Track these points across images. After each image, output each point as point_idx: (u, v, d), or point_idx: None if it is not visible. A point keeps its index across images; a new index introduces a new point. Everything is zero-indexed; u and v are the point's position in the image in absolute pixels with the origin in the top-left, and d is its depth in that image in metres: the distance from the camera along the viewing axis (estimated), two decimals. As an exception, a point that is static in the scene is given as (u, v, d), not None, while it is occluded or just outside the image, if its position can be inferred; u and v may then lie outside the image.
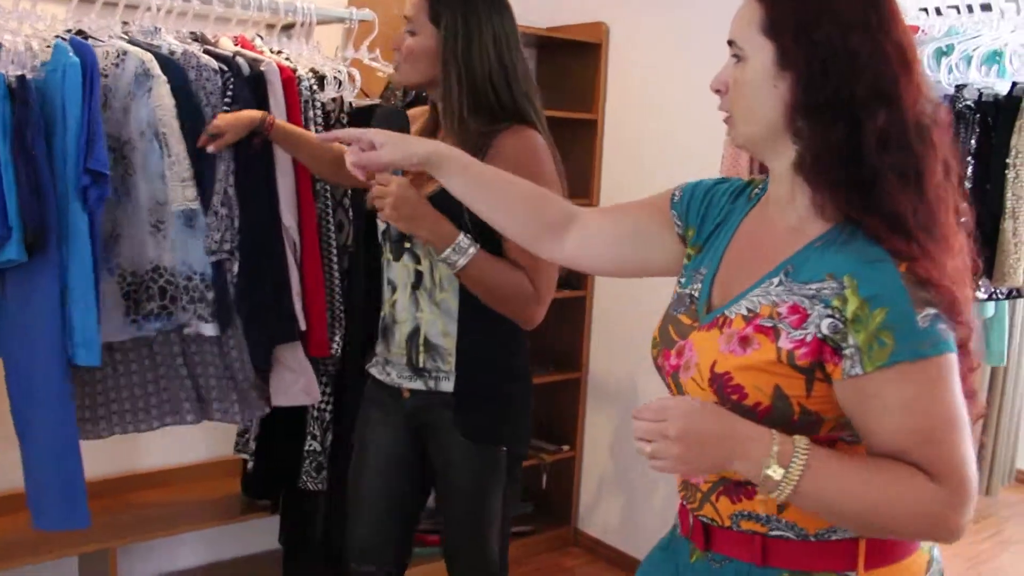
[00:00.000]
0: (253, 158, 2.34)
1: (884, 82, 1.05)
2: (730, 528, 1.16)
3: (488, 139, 1.82)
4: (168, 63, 2.29)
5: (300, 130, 2.32)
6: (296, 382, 2.51)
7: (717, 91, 1.17)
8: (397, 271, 1.94)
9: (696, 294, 1.24)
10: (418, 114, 2.05)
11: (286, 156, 2.41)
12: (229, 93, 2.35)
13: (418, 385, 1.92)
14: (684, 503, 1.25)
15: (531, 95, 1.88)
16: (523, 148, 1.81)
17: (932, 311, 1.01)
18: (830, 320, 1.04)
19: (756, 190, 1.28)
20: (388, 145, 1.44)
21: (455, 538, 1.99)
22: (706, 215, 1.30)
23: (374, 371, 2.03)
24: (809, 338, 1.05)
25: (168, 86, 2.24)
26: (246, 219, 2.38)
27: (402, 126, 1.68)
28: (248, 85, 2.42)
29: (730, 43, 1.14)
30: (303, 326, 2.50)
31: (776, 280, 1.10)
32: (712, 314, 1.18)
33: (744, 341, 1.09)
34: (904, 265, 1.02)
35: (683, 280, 1.29)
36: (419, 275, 1.90)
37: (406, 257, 1.91)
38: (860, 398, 1.04)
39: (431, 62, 1.85)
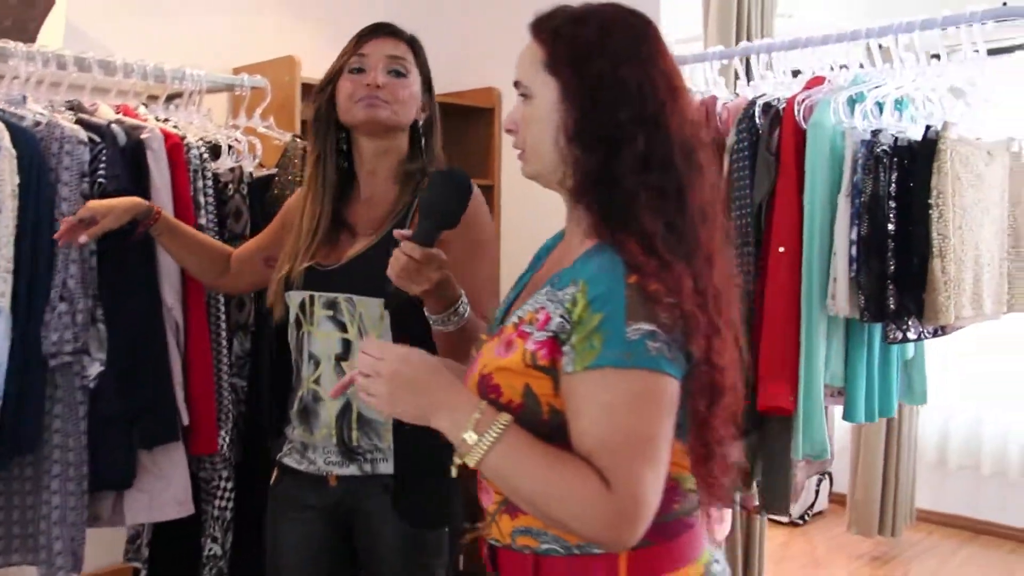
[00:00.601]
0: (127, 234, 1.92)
1: (650, 107, 1.09)
2: (510, 546, 1.15)
3: (417, 186, 1.69)
4: (22, 135, 1.91)
5: (189, 228, 1.99)
6: (166, 490, 2.09)
7: (509, 130, 1.19)
8: (320, 343, 1.67)
9: (497, 317, 1.28)
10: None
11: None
12: (102, 167, 2.02)
13: (351, 471, 1.65)
14: (481, 532, 1.24)
15: None
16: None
17: (647, 327, 1.01)
18: (560, 320, 1.06)
19: None
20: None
21: None
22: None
23: (290, 461, 1.72)
24: (546, 338, 1.07)
25: (16, 162, 1.86)
26: (117, 305, 2.01)
27: (466, 193, 1.44)
28: (124, 156, 2.07)
29: (516, 84, 1.17)
30: (186, 420, 2.12)
31: (545, 291, 1.12)
32: (497, 326, 1.21)
33: (508, 345, 1.11)
34: (634, 277, 1.03)
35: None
36: (346, 344, 1.64)
37: (330, 326, 1.65)
38: (568, 395, 1.05)
39: (415, 106, 1.73)
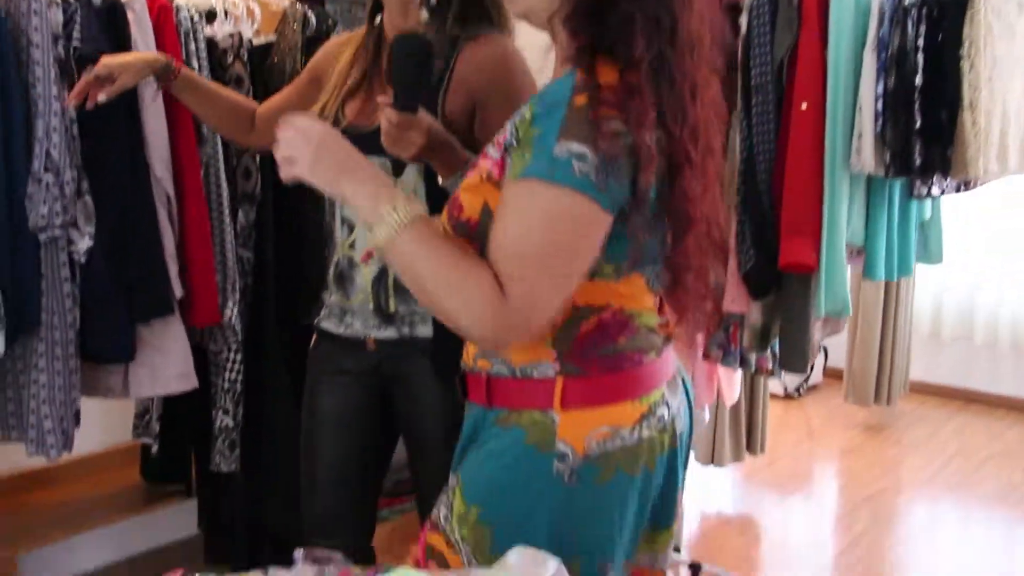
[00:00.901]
0: (107, 104, 1.70)
1: None
2: (473, 369, 1.16)
3: (453, 46, 1.51)
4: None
5: (212, 83, 1.83)
6: (166, 363, 2.01)
7: None
8: None
9: None
10: (342, 42, 1.68)
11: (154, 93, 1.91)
12: (76, 32, 1.85)
13: (389, 333, 1.57)
14: None
15: None
16: (499, 60, 1.51)
17: (577, 147, 0.97)
18: (510, 136, 1.05)
19: None
20: None
21: (435, 491, 1.64)
22: None
23: (328, 325, 1.64)
24: (499, 155, 1.06)
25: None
26: (102, 177, 1.88)
27: (420, 56, 1.30)
28: (101, 18, 1.91)
29: None
30: (179, 293, 2.02)
31: (517, 115, 1.08)
32: None
33: (475, 167, 1.10)
34: (581, 98, 0.99)
35: None
36: None
37: None
38: (499, 203, 1.04)
39: None
